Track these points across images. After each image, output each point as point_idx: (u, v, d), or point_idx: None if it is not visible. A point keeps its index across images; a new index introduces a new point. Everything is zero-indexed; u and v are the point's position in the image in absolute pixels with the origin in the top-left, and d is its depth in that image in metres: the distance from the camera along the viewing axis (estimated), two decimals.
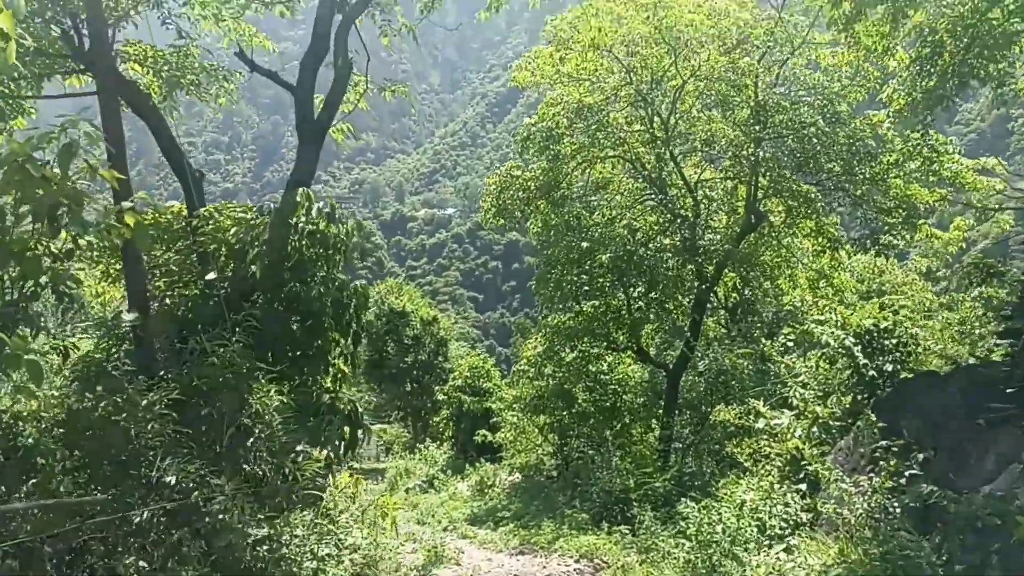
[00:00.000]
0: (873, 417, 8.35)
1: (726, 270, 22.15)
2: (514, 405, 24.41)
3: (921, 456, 7.49)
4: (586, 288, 20.98)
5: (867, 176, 20.14)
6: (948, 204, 20.88)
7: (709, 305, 23.22)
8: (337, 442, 9.71)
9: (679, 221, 20.98)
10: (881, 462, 7.83)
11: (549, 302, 21.85)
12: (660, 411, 22.79)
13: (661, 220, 22.16)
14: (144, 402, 6.16)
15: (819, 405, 10.77)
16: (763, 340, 20.88)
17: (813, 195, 20.34)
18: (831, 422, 10.35)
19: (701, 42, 19.61)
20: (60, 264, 5.56)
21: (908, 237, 20.21)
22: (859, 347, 10.82)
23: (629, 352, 23.27)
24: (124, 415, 6.09)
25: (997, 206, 20.76)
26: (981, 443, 7.24)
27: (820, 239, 22.37)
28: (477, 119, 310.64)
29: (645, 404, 23.54)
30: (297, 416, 8.71)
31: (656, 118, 21.21)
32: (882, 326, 11.09)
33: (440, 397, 32.93)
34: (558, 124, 21.00)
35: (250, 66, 11.96)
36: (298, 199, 9.53)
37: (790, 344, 18.56)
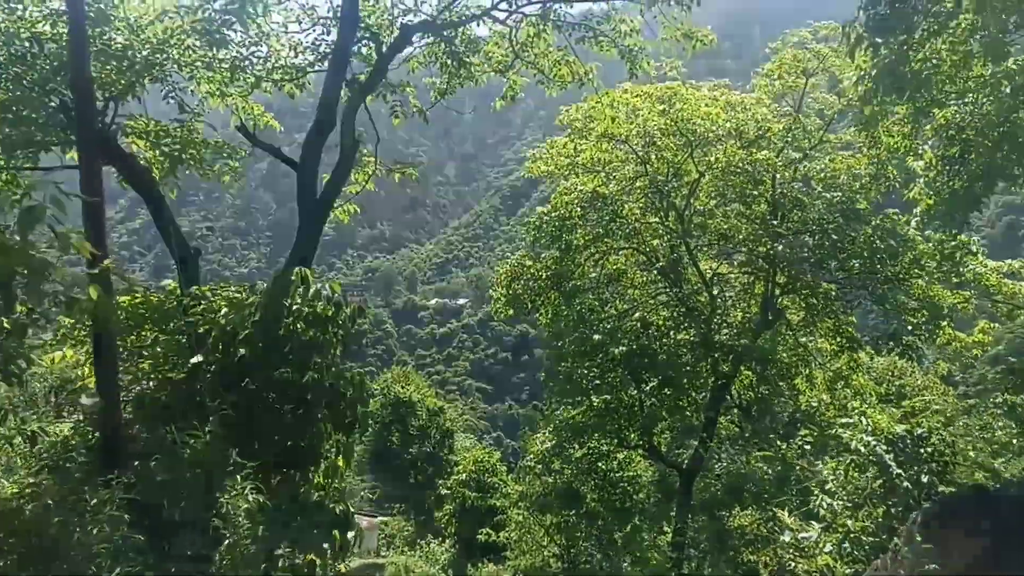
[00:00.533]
0: (919, 538, 7.51)
1: (742, 367, 21.40)
2: (520, 502, 23.37)
3: None
4: (597, 382, 20.25)
5: (889, 275, 19.61)
6: (971, 307, 20.25)
7: (724, 404, 22.37)
8: (325, 546, 8.89)
9: (694, 315, 20.35)
10: None
11: (559, 396, 21.11)
12: (672, 513, 21.75)
13: (676, 314, 21.53)
14: (95, 501, 5.46)
15: (850, 518, 9.91)
16: (779, 442, 19.99)
17: (833, 293, 19.72)
18: (863, 537, 9.48)
19: (718, 135, 19.36)
20: (10, 340, 4.96)
21: (931, 338, 19.48)
22: (891, 455, 10.02)
23: (640, 450, 22.38)
24: (72, 515, 5.39)
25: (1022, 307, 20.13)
26: None
27: (839, 339, 21.69)
28: (491, 211, 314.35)
29: (657, 505, 22.51)
30: (281, 517, 7.95)
31: (672, 211, 20.84)
32: (916, 432, 10.32)
33: (443, 491, 31.81)
34: (571, 213, 20.61)
35: (251, 140, 11.60)
36: (292, 278, 8.95)
37: (807, 448, 17.72)
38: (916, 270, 19.65)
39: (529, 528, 23.29)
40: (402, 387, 43.32)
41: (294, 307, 9.25)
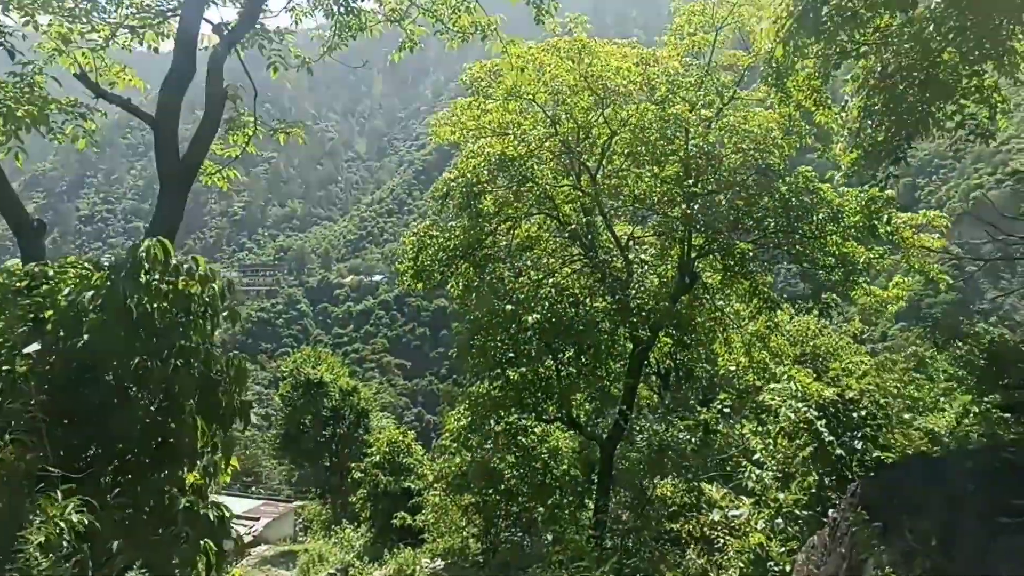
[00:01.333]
0: (864, 514, 6.75)
1: (660, 334, 20.75)
2: (436, 483, 22.32)
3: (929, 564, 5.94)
4: (512, 355, 19.31)
5: (805, 232, 19.18)
6: (886, 262, 19.96)
7: (643, 372, 21.75)
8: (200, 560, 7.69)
9: (610, 282, 19.55)
10: (876, 571, 6.24)
11: (472, 370, 20.09)
12: (594, 487, 21.09)
13: (591, 281, 20.72)
14: None
15: (780, 491, 9.19)
16: (699, 408, 19.46)
17: (750, 253, 19.18)
18: (797, 511, 8.78)
19: (630, 91, 18.47)
20: None
21: (847, 296, 19.17)
22: (823, 421, 9.34)
23: (559, 423, 21.61)
24: None
25: (935, 263, 19.97)
26: (1006, 550, 5.72)
27: (756, 300, 21.28)
28: (404, 186, 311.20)
29: (577, 478, 21.82)
30: (139, 530, 6.75)
31: (584, 173, 19.93)
32: (848, 395, 9.66)
33: (356, 475, 30.49)
34: (479, 178, 19.45)
35: (94, 91, 10.05)
36: (144, 251, 7.61)
37: (725, 412, 17.21)
38: (831, 227, 19.27)
39: (446, 509, 22.30)
40: (313, 367, 41.64)
41: (152, 284, 7.95)
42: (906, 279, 20.70)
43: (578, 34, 19.16)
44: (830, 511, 7.96)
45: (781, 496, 8.70)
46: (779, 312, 21.80)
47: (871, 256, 19.16)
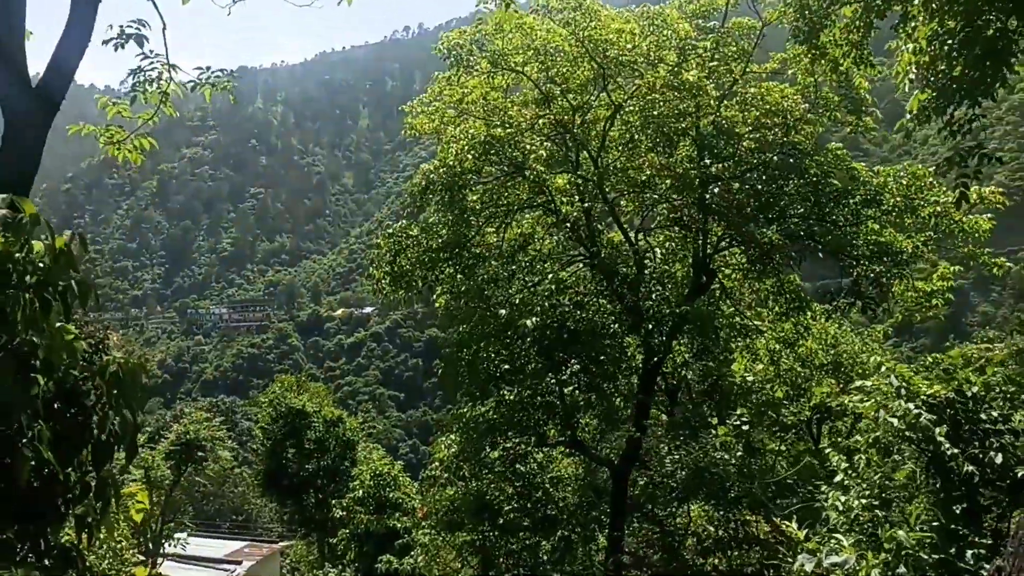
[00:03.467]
0: None
1: (676, 341, 18.07)
2: (425, 521, 19.47)
3: None
4: (507, 367, 16.61)
5: (838, 219, 16.68)
6: (932, 249, 17.38)
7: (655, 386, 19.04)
8: None
9: (617, 282, 16.88)
10: None
11: (461, 389, 17.38)
12: (605, 518, 18.34)
13: (595, 285, 18.06)
14: None
15: (895, 527, 6.52)
16: (730, 425, 16.79)
17: (776, 242, 16.63)
18: (924, 555, 6.14)
19: (635, 60, 15.87)
20: None
21: (900, 286, 16.61)
22: (942, 427, 6.74)
23: (562, 447, 18.93)
24: None
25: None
26: None
27: (781, 300, 18.76)
28: (392, 217, 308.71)
29: (584, 508, 19.05)
30: None
31: (584, 154, 17.32)
32: (970, 393, 7.06)
33: (338, 513, 27.51)
34: (463, 166, 16.70)
35: None
36: None
37: (744, 428, 14.61)
38: (869, 211, 16.78)
39: (438, 550, 19.48)
40: (295, 397, 38.81)
41: None
42: (951, 268, 18.04)
43: None
44: (997, 559, 5.36)
45: (900, 535, 6.05)
46: (808, 313, 19.27)
47: (917, 242, 16.65)
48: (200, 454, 31.19)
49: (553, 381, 17.40)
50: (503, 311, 15.49)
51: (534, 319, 14.65)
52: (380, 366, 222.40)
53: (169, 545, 35.62)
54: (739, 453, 12.28)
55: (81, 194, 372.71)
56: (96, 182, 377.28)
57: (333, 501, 28.92)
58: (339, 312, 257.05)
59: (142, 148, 9.50)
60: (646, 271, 17.10)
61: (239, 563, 48.85)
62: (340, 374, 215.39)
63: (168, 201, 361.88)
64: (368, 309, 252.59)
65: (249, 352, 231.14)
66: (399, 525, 20.61)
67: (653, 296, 16.35)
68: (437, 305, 19.04)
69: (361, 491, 25.29)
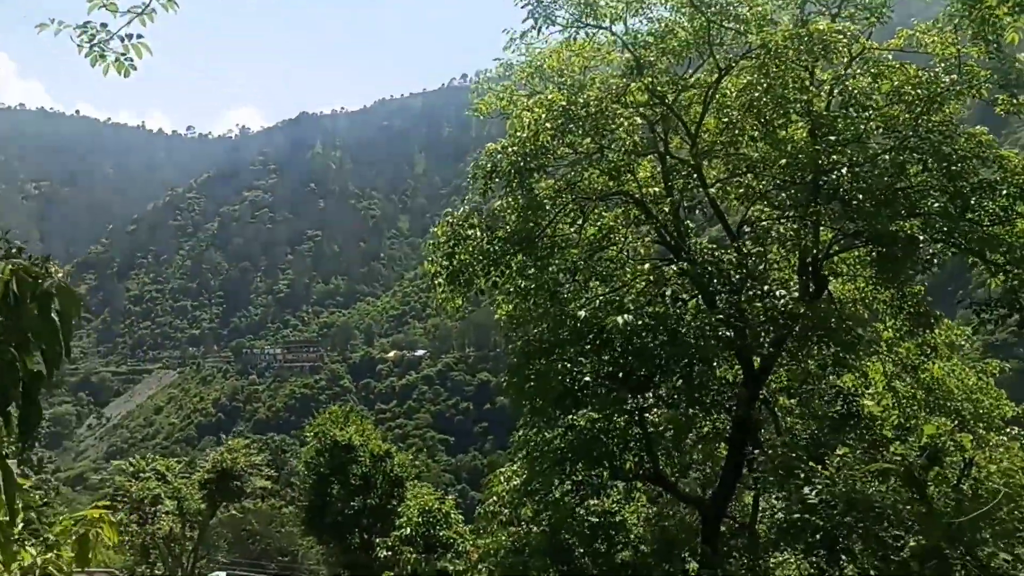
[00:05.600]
0: None
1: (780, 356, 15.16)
2: (480, 565, 16.63)
3: None
4: (587, 380, 13.87)
5: (986, 216, 13.84)
6: None
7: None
8: None
9: (716, 284, 14.08)
10: None
11: (528, 409, 14.70)
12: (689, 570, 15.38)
13: (685, 288, 15.26)
14: None
15: None
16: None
17: (924, 240, 13.73)
18: None
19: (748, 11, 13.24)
20: None
21: None
22: None
23: (639, 483, 16.07)
24: None
25: None
26: None
27: (901, 315, 15.92)
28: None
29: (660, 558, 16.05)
30: None
31: (677, 133, 14.70)
32: None
33: (383, 553, 24.67)
34: (537, 140, 14.08)
35: None
36: None
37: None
38: (1022, 207, 13.92)
39: None
40: (340, 430, 36.33)
41: None
42: None
43: None
44: None
45: None
46: (936, 330, 16.31)
47: None
48: (235, 483, 29.02)
49: (632, 402, 14.66)
50: (582, 312, 12.84)
51: (626, 316, 11.93)
52: (431, 409, 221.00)
53: None
54: (899, 487, 9.30)
55: (145, 235, 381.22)
56: (160, 223, 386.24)
57: (378, 541, 26.20)
58: (391, 354, 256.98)
59: (133, 57, 7.21)
60: (749, 268, 14.20)
61: None
62: (391, 416, 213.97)
63: (228, 243, 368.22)
64: (420, 352, 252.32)
65: (302, 393, 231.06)
66: (451, 567, 17.77)
67: (762, 300, 13.43)
68: (498, 316, 16.49)
69: (408, 529, 22.53)
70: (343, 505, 35.40)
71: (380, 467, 35.74)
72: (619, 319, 11.56)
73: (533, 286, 14.37)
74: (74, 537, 5.54)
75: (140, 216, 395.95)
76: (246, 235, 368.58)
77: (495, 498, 17.16)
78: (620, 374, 13.08)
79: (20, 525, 5.60)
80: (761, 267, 14.44)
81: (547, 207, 14.65)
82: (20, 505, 4.64)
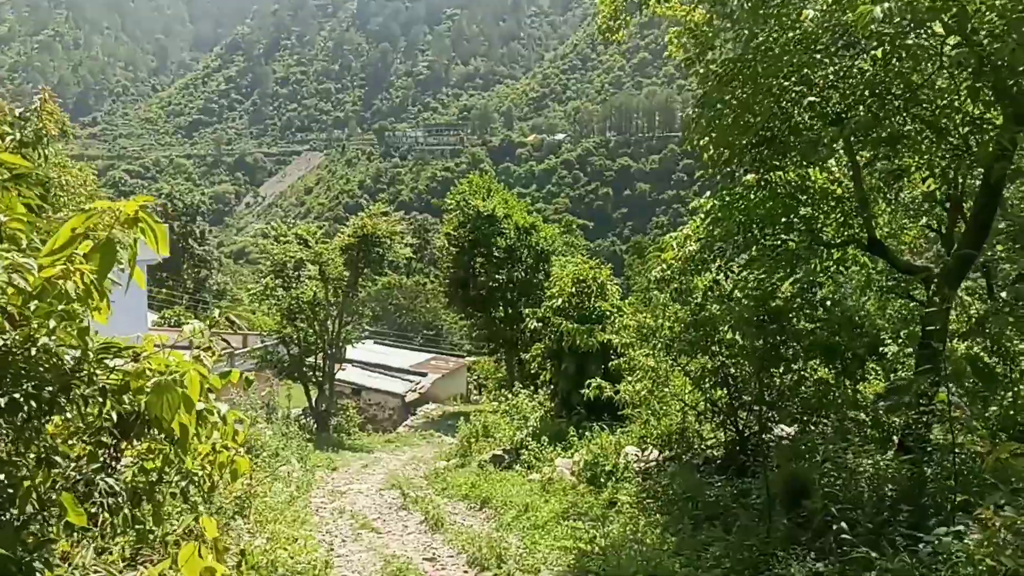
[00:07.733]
0: None
1: None
2: (650, 338, 14.27)
3: None
4: (798, 121, 10.63)
5: None
6: None
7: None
8: None
9: None
10: None
11: (717, 151, 11.58)
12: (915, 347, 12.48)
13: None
14: None
15: None
16: None
17: None
18: None
19: None
20: None
21: None
22: None
23: (850, 248, 12.94)
24: None
25: None
26: None
27: None
28: (587, 41, 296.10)
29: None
30: None
31: None
32: None
33: (532, 324, 22.79)
34: None
35: None
36: None
37: None
38: None
39: (664, 378, 14.40)
40: (483, 200, 34.39)
41: None
42: None
43: None
44: None
45: None
46: None
47: None
48: (377, 250, 27.73)
49: (842, 153, 11.37)
50: (810, 10, 9.36)
51: (886, 3, 8.39)
52: (570, 194, 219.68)
53: (351, 348, 33.43)
54: None
55: (288, 15, 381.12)
56: (302, 3, 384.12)
57: (527, 312, 24.42)
58: (531, 138, 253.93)
59: None
60: None
61: (424, 375, 47.15)
62: (531, 200, 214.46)
63: (367, 23, 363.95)
64: (559, 136, 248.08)
65: (443, 175, 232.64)
66: (615, 340, 15.61)
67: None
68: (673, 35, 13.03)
69: (561, 299, 20.48)
70: (487, 278, 34.14)
71: (525, 240, 33.92)
72: (876, 8, 8.05)
73: None
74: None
75: None
76: (385, 14, 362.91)
77: (662, 265, 14.45)
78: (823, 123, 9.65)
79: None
80: None
81: None
82: None
